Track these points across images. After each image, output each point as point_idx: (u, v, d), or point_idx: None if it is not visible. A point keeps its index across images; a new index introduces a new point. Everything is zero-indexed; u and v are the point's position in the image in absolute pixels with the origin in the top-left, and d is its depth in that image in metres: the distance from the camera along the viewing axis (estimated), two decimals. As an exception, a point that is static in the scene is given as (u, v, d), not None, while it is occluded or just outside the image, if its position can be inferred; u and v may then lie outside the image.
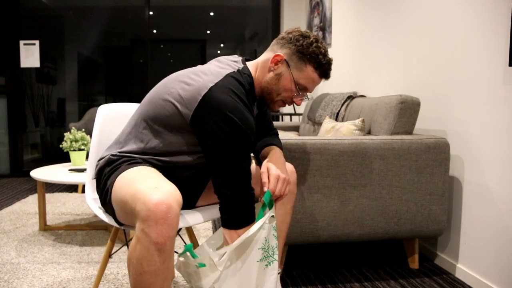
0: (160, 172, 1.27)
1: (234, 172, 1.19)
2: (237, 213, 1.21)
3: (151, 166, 1.28)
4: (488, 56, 1.77)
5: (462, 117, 1.95)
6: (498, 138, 1.73)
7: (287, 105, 1.38)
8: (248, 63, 1.37)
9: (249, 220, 1.23)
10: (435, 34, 2.15)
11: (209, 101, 1.18)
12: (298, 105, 1.36)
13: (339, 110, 2.78)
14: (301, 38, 1.30)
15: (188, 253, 1.23)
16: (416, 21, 2.32)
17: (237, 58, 1.37)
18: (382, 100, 2.19)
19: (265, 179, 1.29)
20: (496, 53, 1.73)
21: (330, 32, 3.79)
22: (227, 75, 1.24)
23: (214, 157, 1.20)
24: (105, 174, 1.29)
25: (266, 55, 1.35)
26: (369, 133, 2.26)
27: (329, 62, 1.32)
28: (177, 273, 1.98)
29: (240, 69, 1.31)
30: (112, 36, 6.12)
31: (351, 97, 2.79)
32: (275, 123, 3.78)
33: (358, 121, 2.21)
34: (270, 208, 1.28)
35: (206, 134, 1.19)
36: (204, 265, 1.18)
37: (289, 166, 1.44)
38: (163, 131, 1.27)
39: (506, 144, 1.69)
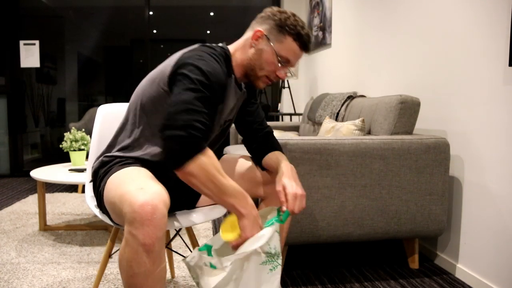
0: (157, 172, 1.27)
1: (183, 103, 1.12)
2: (175, 146, 1.09)
3: (144, 166, 1.28)
4: (488, 56, 1.77)
5: (462, 117, 1.95)
6: (498, 138, 1.73)
7: (273, 81, 1.38)
8: (228, 46, 1.41)
9: (191, 150, 1.09)
10: (435, 34, 2.15)
11: (180, 61, 1.22)
12: (282, 78, 1.37)
13: (339, 110, 2.78)
14: (278, 13, 1.34)
15: (205, 250, 1.22)
16: (416, 21, 2.32)
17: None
18: (382, 100, 2.19)
19: (282, 198, 1.27)
20: (496, 53, 1.73)
21: (330, 32, 3.79)
22: (200, 45, 1.31)
23: (172, 102, 1.15)
24: (100, 176, 1.30)
25: (246, 35, 1.38)
26: (369, 133, 2.26)
27: (308, 34, 1.35)
28: (177, 273, 1.98)
29: (220, 45, 1.36)
30: (112, 36, 6.12)
31: (351, 97, 2.79)
32: (275, 123, 3.78)
33: (358, 121, 2.21)
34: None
35: (175, 88, 1.18)
36: (215, 267, 1.17)
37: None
38: (150, 114, 1.29)
39: (506, 144, 1.69)
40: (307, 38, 1.35)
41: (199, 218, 1.38)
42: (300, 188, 1.28)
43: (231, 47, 1.39)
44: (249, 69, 1.35)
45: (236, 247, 1.20)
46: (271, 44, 1.32)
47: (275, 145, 1.46)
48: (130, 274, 1.04)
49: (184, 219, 1.36)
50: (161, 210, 1.02)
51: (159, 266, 1.05)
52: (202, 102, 1.15)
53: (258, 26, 1.35)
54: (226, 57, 1.34)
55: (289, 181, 1.28)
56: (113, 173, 1.23)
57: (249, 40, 1.35)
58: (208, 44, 1.33)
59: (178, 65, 1.21)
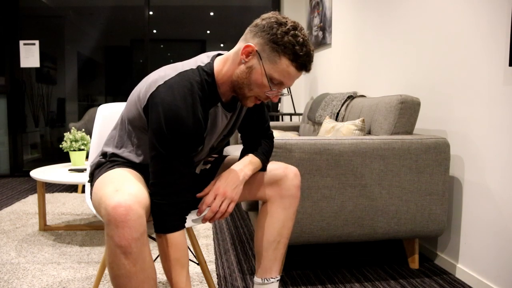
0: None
1: (158, 172, 1.14)
2: (160, 216, 1.14)
3: (138, 167, 1.28)
4: (488, 56, 1.77)
5: (462, 117, 1.95)
6: (498, 138, 1.73)
7: (261, 101, 1.25)
8: (219, 58, 1.26)
9: (175, 226, 1.15)
10: (435, 34, 2.15)
11: (153, 99, 1.14)
12: (274, 101, 1.22)
13: (339, 110, 2.78)
14: (275, 25, 1.14)
15: None
16: (416, 21, 2.32)
17: (215, 53, 1.30)
18: (382, 100, 2.19)
19: (206, 191, 1.27)
20: (496, 53, 1.73)
21: (330, 32, 3.79)
22: (180, 73, 1.18)
23: (149, 152, 1.17)
24: (94, 178, 1.31)
25: (238, 46, 1.21)
26: (369, 133, 2.26)
27: (308, 53, 1.16)
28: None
29: (202, 65, 1.22)
30: (112, 36, 6.12)
31: (351, 97, 2.79)
32: (275, 123, 3.78)
33: (358, 121, 2.21)
34: None
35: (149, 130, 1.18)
36: None
37: (293, 169, 1.39)
38: (136, 131, 1.27)
39: (506, 144, 1.69)
40: (307, 58, 1.16)
41: (199, 219, 1.38)
42: (231, 190, 1.25)
43: (220, 61, 1.24)
44: (237, 87, 1.21)
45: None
46: (262, 63, 1.15)
47: (255, 148, 1.40)
48: (113, 275, 1.04)
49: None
50: (136, 211, 1.01)
51: (143, 267, 1.03)
52: (182, 166, 1.15)
53: (250, 39, 1.17)
54: (209, 84, 1.21)
55: (224, 178, 1.27)
56: (101, 175, 1.24)
57: (239, 54, 1.18)
58: (187, 72, 1.19)
59: (152, 106, 1.14)
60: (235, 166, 1.31)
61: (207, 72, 1.21)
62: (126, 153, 1.30)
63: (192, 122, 1.14)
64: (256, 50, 1.15)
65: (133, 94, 1.27)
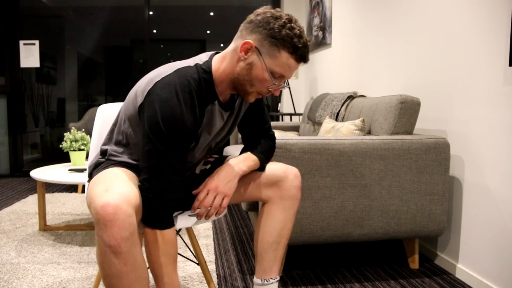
0: None
1: (152, 167, 1.13)
2: (154, 212, 1.14)
3: (134, 167, 1.27)
4: (488, 56, 1.77)
5: (462, 117, 1.95)
6: (498, 138, 1.73)
7: (265, 95, 1.27)
8: (217, 56, 1.26)
9: (171, 222, 1.16)
10: (435, 34, 2.15)
11: (150, 96, 1.14)
12: (276, 94, 1.24)
13: (339, 110, 2.78)
14: (272, 19, 1.15)
15: None
16: (416, 21, 2.32)
17: (214, 52, 1.30)
18: (382, 100, 2.19)
19: (200, 188, 1.28)
20: (496, 53, 1.73)
21: (330, 32, 3.79)
22: (178, 69, 1.18)
23: (142, 147, 1.17)
24: (92, 178, 1.31)
25: (235, 43, 1.21)
26: (369, 133, 2.26)
27: (305, 44, 1.18)
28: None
29: (200, 63, 1.23)
30: (112, 36, 6.12)
31: (351, 97, 2.79)
32: (275, 123, 3.78)
33: (358, 121, 2.21)
34: None
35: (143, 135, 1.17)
36: None
37: (293, 170, 1.38)
38: (134, 129, 1.26)
39: (506, 144, 1.69)
40: (305, 49, 1.19)
41: (195, 216, 1.38)
42: (223, 185, 1.25)
43: (218, 59, 1.24)
44: (238, 84, 1.22)
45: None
46: (263, 59, 1.17)
47: (254, 146, 1.40)
48: (104, 275, 1.04)
49: (184, 219, 1.36)
50: (125, 210, 1.00)
51: (133, 266, 1.03)
52: (174, 163, 1.14)
53: (247, 36, 1.18)
54: (206, 81, 1.21)
55: (218, 175, 1.27)
56: (96, 175, 1.24)
57: (237, 52, 1.19)
58: (184, 69, 1.19)
59: (148, 103, 1.14)
60: (230, 162, 1.31)
61: (204, 69, 1.22)
62: (122, 150, 1.30)
63: (187, 118, 1.15)
64: (255, 46, 1.17)
65: (131, 92, 1.27)
